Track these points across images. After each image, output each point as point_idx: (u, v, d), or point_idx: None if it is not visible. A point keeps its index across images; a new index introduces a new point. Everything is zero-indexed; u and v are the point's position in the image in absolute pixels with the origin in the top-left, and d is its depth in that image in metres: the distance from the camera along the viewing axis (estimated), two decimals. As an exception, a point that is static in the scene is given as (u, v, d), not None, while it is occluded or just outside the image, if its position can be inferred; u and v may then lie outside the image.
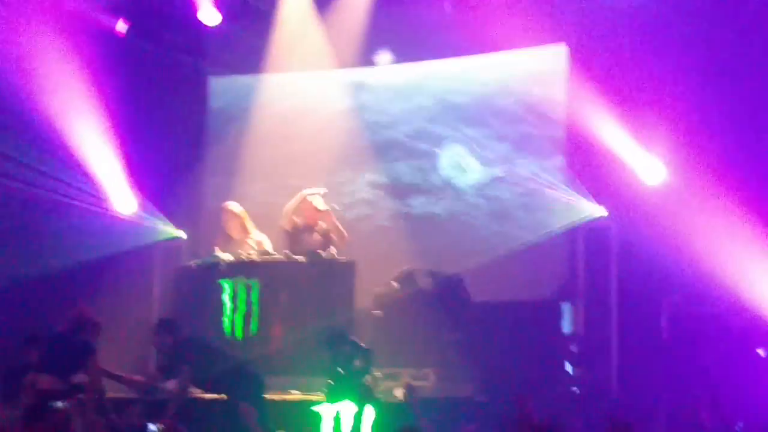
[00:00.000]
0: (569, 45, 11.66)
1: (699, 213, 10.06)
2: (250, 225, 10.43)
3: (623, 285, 10.72)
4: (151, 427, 7.57)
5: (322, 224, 10.41)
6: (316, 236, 10.33)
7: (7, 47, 11.27)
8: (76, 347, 7.99)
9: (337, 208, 10.65)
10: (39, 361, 8.12)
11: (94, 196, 12.36)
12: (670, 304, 10.38)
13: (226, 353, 8.71)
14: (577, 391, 9.81)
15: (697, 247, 9.92)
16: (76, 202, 12.23)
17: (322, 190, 10.58)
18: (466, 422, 8.34)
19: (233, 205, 10.49)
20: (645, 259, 10.33)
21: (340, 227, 10.39)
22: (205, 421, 8.21)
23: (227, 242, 10.38)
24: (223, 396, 8.50)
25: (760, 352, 9.39)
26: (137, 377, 8.86)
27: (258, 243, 10.34)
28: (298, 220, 10.43)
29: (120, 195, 12.49)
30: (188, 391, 8.46)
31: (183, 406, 8.20)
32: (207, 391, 8.67)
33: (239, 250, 10.24)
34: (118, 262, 12.17)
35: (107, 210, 12.41)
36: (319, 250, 10.15)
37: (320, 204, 10.40)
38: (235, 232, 10.35)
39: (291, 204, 10.52)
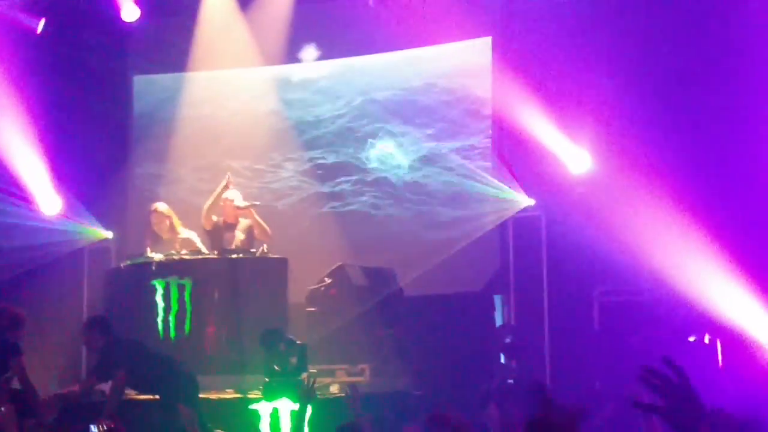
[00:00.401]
0: (494, 38, 11.77)
1: (625, 202, 10.20)
2: (177, 224, 10.36)
3: (554, 275, 10.85)
4: (93, 429, 7.48)
5: (244, 221, 10.37)
6: (239, 233, 10.29)
7: None
8: (2, 348, 7.86)
9: (257, 203, 10.60)
10: None
11: (18, 197, 12.15)
12: (600, 293, 10.54)
13: (158, 353, 8.60)
14: (513, 383, 9.90)
15: (625, 236, 10.06)
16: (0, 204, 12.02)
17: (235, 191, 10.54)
18: (402, 417, 8.38)
19: (161, 206, 10.40)
20: (574, 248, 10.44)
21: (262, 223, 10.33)
22: (142, 422, 8.12)
23: (157, 242, 10.28)
24: (157, 397, 8.41)
25: (691, 339, 9.57)
26: (68, 390, 8.70)
27: (187, 240, 10.27)
28: (218, 219, 10.39)
29: (45, 197, 12.28)
30: (124, 393, 8.36)
31: (119, 407, 8.10)
32: (141, 392, 8.58)
33: (171, 250, 10.14)
34: (46, 265, 11.98)
35: (33, 212, 12.20)
36: (251, 249, 10.10)
37: (239, 201, 10.36)
38: (164, 233, 10.27)
39: (207, 203, 10.48)
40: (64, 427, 7.71)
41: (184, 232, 10.34)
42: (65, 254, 12.20)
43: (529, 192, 11.18)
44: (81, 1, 12.64)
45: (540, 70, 10.96)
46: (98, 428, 7.22)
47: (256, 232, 10.28)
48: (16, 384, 8.00)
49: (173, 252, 10.07)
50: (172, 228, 10.28)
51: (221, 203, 10.45)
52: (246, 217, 10.36)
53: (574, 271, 10.58)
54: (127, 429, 7.33)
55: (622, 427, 7.95)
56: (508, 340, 10.25)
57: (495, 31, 11.77)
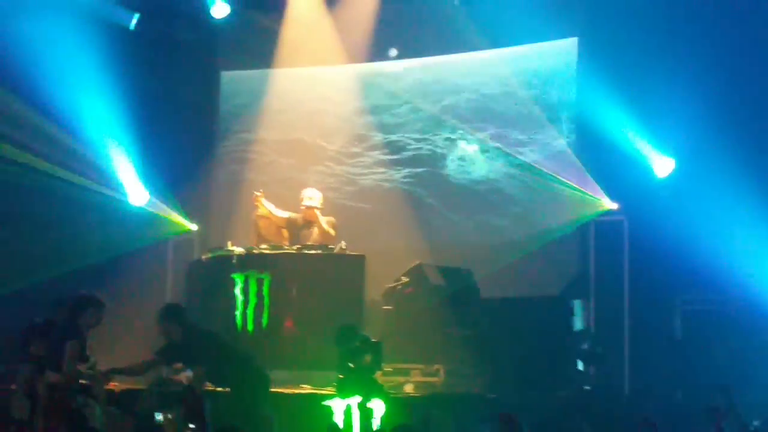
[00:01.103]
0: (580, 39, 11.63)
1: (711, 207, 10.01)
2: (267, 205, 10.49)
3: (635, 281, 10.68)
4: (158, 416, 7.56)
5: (322, 218, 10.47)
6: (315, 230, 10.37)
7: (24, 43, 11.32)
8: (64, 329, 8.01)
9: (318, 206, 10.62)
10: (44, 354, 8.11)
11: (108, 188, 12.43)
12: (683, 300, 10.34)
13: (233, 346, 8.64)
14: (589, 390, 9.76)
15: (711, 243, 9.86)
16: (90, 195, 12.30)
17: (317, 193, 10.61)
18: (476, 419, 8.31)
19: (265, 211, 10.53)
20: (657, 254, 10.29)
21: (326, 227, 10.37)
22: (214, 413, 8.18)
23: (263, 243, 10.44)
24: (227, 389, 8.47)
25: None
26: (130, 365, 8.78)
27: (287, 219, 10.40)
28: (296, 216, 10.48)
29: (133, 188, 12.54)
30: (203, 385, 8.43)
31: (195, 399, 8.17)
32: (213, 383, 8.63)
33: (252, 246, 10.25)
34: (131, 255, 12.23)
35: (121, 203, 12.47)
36: (330, 245, 10.16)
37: (308, 201, 10.45)
38: (271, 236, 10.41)
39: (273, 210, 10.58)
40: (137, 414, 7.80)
41: (277, 212, 10.51)
42: (150, 245, 12.44)
43: (612, 196, 11.03)
44: (173, -1, 12.89)
45: (625, 72, 10.79)
46: (164, 418, 7.31)
47: (319, 233, 10.33)
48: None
49: (253, 246, 10.17)
50: (279, 232, 10.40)
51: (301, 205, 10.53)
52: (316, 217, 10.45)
53: (657, 278, 10.41)
54: (197, 419, 7.38)
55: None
56: (585, 346, 10.11)
57: (581, 31, 11.63)
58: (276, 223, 10.56)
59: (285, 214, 10.61)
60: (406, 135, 12.66)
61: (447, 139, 12.43)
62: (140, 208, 12.61)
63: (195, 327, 8.45)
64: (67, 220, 12.14)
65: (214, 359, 8.24)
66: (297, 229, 10.48)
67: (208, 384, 8.51)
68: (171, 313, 8.40)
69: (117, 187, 12.52)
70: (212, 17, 12.69)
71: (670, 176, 10.83)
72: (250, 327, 9.80)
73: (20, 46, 11.34)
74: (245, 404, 8.13)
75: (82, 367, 8.05)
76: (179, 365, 9.16)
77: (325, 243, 10.23)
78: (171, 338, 8.30)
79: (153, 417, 7.19)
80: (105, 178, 12.42)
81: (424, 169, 12.51)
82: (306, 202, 10.47)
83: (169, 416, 7.07)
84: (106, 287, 11.92)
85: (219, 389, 8.55)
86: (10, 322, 8.95)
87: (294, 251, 10.12)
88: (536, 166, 11.77)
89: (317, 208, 10.45)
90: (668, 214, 10.19)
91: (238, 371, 8.30)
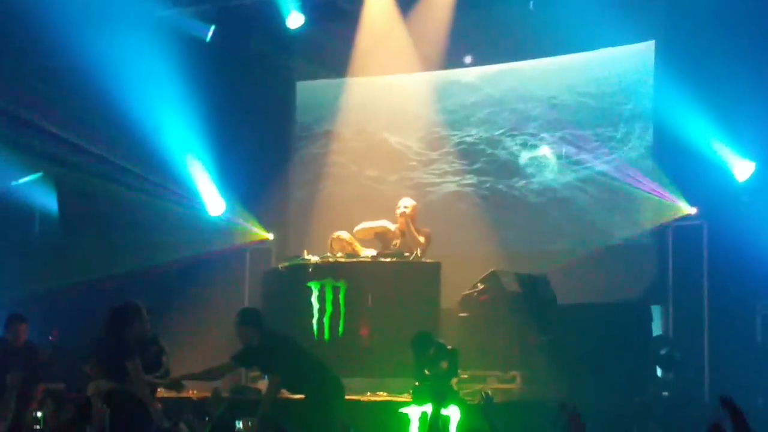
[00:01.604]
0: (657, 41, 11.52)
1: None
2: (359, 249, 10.46)
3: (714, 286, 10.52)
4: (239, 425, 7.64)
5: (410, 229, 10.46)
6: (404, 240, 10.38)
7: (104, 57, 11.59)
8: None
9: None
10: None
11: (187, 198, 12.65)
12: (764, 305, 10.16)
13: (309, 353, 8.67)
14: (668, 396, 9.63)
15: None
16: (169, 205, 12.53)
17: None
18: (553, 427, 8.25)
19: (343, 234, 10.50)
20: (737, 259, 10.12)
21: (416, 235, 10.34)
22: (290, 421, 8.24)
23: None
24: (302, 396, 8.52)
25: None
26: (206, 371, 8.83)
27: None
28: (394, 228, 10.47)
29: (211, 198, 12.74)
30: (279, 392, 8.50)
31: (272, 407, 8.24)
32: (288, 390, 8.67)
33: (327, 253, 10.31)
34: (210, 264, 12.41)
35: (200, 212, 12.68)
36: (405, 252, 10.18)
37: (406, 210, 10.43)
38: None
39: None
40: (219, 421, 7.87)
41: (365, 252, 10.46)
42: (228, 254, 12.61)
43: (690, 200, 10.89)
44: (248, 9, 13.02)
45: (704, 74, 10.64)
46: (243, 425, 7.38)
47: (409, 240, 10.31)
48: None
49: (329, 255, 10.23)
50: (355, 253, 10.41)
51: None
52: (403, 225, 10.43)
53: (737, 282, 10.24)
54: (277, 427, 7.45)
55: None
56: (664, 352, 9.98)
57: (658, 34, 11.51)
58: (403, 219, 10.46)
59: (377, 223, 10.51)
60: (481, 142, 12.65)
61: (522, 145, 12.39)
62: (218, 218, 12.80)
63: (272, 333, 8.50)
64: (148, 228, 12.39)
65: (291, 366, 8.29)
66: (388, 240, 10.46)
67: (284, 391, 8.58)
68: (249, 317, 8.47)
69: (195, 197, 12.73)
70: (287, 27, 12.82)
71: (749, 179, 10.65)
72: (326, 335, 9.84)
73: (99, 60, 11.62)
74: (320, 413, 8.17)
75: (149, 378, 8.09)
76: (256, 373, 9.28)
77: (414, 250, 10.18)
78: (248, 343, 8.38)
79: (231, 424, 7.26)
80: (184, 188, 12.64)
81: (499, 176, 12.48)
82: (400, 210, 10.43)
83: (249, 424, 7.14)
84: (186, 296, 12.24)
85: (295, 397, 8.62)
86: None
87: (369, 259, 10.16)
88: (612, 172, 11.67)
89: (409, 216, 10.40)
90: (748, 217, 10.03)
91: (313, 379, 8.34)
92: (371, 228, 10.50)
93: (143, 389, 7.75)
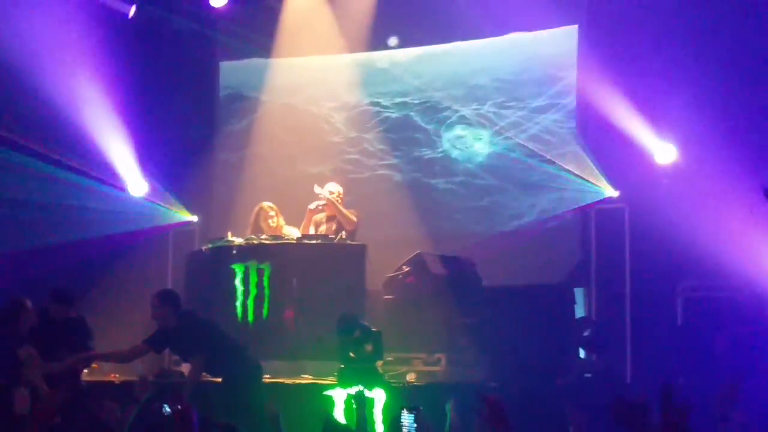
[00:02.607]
0: (580, 25, 11.61)
1: (712, 194, 9.99)
2: (281, 221, 10.39)
3: (636, 268, 10.67)
4: (167, 408, 7.53)
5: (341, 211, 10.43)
6: (332, 225, 10.33)
7: (21, 33, 11.30)
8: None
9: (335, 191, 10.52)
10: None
11: (107, 180, 12.42)
12: (685, 288, 10.32)
13: (228, 336, 8.59)
14: (590, 377, 9.74)
15: (711, 230, 9.83)
16: (89, 184, 12.30)
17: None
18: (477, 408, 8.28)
19: (269, 204, 10.42)
20: (658, 241, 10.26)
21: (345, 212, 10.29)
22: (206, 403, 8.15)
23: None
24: (219, 379, 8.44)
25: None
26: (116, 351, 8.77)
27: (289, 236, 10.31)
28: (321, 216, 10.41)
29: (132, 179, 12.53)
30: (201, 375, 8.41)
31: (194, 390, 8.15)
32: (207, 373, 8.58)
33: (251, 235, 10.21)
34: (132, 246, 12.22)
35: (121, 194, 12.46)
36: (330, 235, 10.13)
37: (326, 192, 10.36)
38: (268, 229, 10.32)
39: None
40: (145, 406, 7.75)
41: (287, 229, 10.40)
42: (151, 236, 12.43)
43: (613, 182, 11.01)
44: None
45: (626, 59, 10.77)
46: (171, 409, 7.26)
47: (341, 221, 10.26)
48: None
49: (253, 237, 10.13)
50: (278, 225, 10.34)
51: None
52: (330, 209, 10.36)
53: (658, 265, 10.40)
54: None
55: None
56: (586, 334, 10.09)
57: (581, 19, 11.60)
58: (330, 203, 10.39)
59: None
60: (405, 125, 12.64)
61: (445, 128, 12.41)
62: (140, 198, 12.60)
63: (189, 313, 8.42)
64: (68, 209, 12.14)
65: (207, 348, 8.20)
66: (320, 224, 10.41)
67: (204, 374, 8.50)
68: (166, 298, 8.37)
69: (117, 177, 12.51)
70: (210, 6, 12.64)
71: (671, 163, 10.80)
72: (250, 318, 9.76)
73: (17, 37, 11.33)
74: (237, 395, 8.10)
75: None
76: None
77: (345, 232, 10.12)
78: (165, 324, 8.27)
79: (157, 408, 7.13)
80: (105, 169, 12.40)
81: (423, 156, 12.49)
82: (326, 194, 10.35)
83: (177, 409, 7.01)
84: (107, 278, 12.04)
85: (215, 379, 8.54)
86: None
87: (294, 241, 10.09)
88: (537, 152, 11.76)
89: (337, 200, 10.35)
90: (669, 201, 10.18)
91: (230, 361, 8.27)
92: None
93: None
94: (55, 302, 8.64)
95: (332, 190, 10.44)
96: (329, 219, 10.40)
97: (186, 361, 8.62)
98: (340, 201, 10.36)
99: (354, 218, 10.23)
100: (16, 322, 8.10)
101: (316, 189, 10.30)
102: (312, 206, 10.37)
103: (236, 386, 8.19)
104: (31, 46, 11.32)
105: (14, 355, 7.94)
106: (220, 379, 8.42)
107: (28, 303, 8.23)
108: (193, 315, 8.44)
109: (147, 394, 7.68)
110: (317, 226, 10.41)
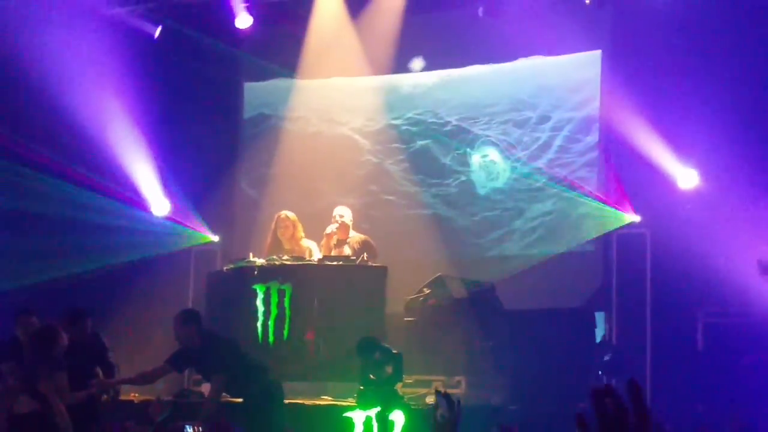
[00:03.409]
0: (604, 51, 11.63)
1: (734, 220, 9.96)
2: (301, 233, 10.44)
3: (657, 293, 10.64)
4: (188, 429, 7.55)
5: (355, 236, 10.50)
6: (347, 248, 10.39)
7: (51, 54, 11.43)
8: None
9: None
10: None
11: (130, 199, 12.50)
12: (705, 313, 10.29)
13: (250, 357, 8.59)
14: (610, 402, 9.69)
15: (733, 256, 9.81)
16: (113, 204, 12.38)
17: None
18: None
19: (288, 213, 10.47)
20: (680, 267, 10.23)
21: (371, 242, 10.37)
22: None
23: (277, 249, 10.37)
24: (241, 400, 8.45)
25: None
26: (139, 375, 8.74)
27: (307, 250, 10.35)
28: (333, 238, 10.47)
29: (155, 199, 12.61)
30: (222, 396, 8.42)
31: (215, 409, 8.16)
32: (229, 394, 8.58)
33: (273, 255, 10.25)
34: (153, 266, 12.28)
35: (143, 213, 12.53)
36: (352, 256, 10.17)
37: (348, 218, 10.48)
38: (286, 240, 10.36)
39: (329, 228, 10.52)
40: (162, 426, 7.77)
41: (306, 242, 10.43)
42: (172, 256, 12.49)
43: (635, 208, 11.00)
44: (196, 9, 12.90)
45: (649, 85, 10.79)
46: (193, 429, 7.29)
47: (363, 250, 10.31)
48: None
49: (275, 257, 10.17)
50: (294, 237, 10.37)
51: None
52: (357, 235, 10.45)
53: (679, 290, 10.36)
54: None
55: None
56: (607, 358, 10.07)
57: (604, 44, 11.62)
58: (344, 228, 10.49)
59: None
60: (426, 146, 12.67)
61: (468, 149, 12.43)
62: (162, 219, 12.67)
63: (212, 334, 8.44)
64: (92, 229, 12.22)
65: (230, 368, 8.22)
66: (330, 249, 10.48)
67: (225, 395, 8.51)
68: (189, 318, 8.38)
69: (140, 198, 12.59)
70: (236, 27, 12.74)
71: (693, 188, 10.79)
72: (271, 338, 9.79)
73: (46, 58, 11.46)
74: (259, 416, 8.11)
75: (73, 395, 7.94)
76: (199, 376, 9.20)
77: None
78: (188, 344, 8.29)
79: (176, 428, 7.17)
80: (128, 189, 12.49)
81: (444, 179, 12.51)
82: (337, 220, 10.45)
83: (199, 429, 7.05)
84: (128, 298, 12.10)
85: (235, 400, 8.55)
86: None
87: (315, 262, 10.12)
88: (559, 177, 11.76)
89: (346, 225, 10.45)
90: (690, 226, 10.15)
91: (252, 382, 8.28)
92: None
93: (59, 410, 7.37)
94: (71, 324, 8.59)
95: (341, 213, 10.51)
96: (340, 243, 10.45)
97: (208, 380, 8.64)
98: (350, 225, 10.46)
99: (375, 249, 10.31)
100: (54, 347, 7.97)
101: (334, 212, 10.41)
102: (328, 230, 10.43)
103: (257, 407, 8.19)
104: (61, 66, 11.45)
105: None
106: (240, 400, 8.44)
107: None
108: (216, 335, 8.47)
109: (163, 414, 7.73)
110: (328, 251, 10.45)
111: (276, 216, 10.51)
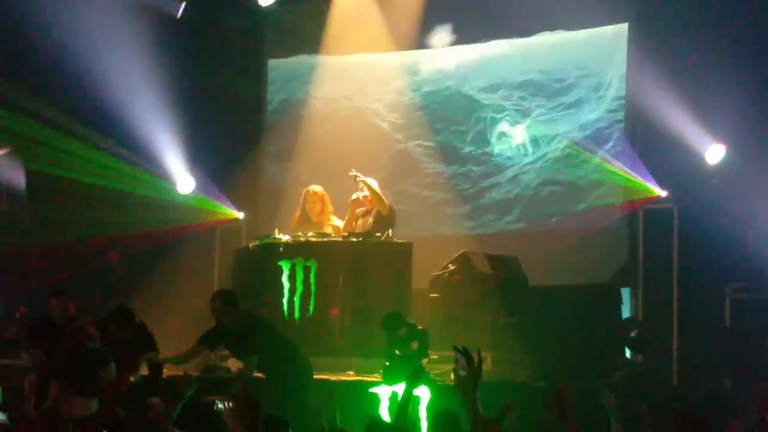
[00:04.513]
0: (630, 23, 11.54)
1: (761, 194, 9.90)
2: (330, 209, 10.40)
3: (684, 269, 10.58)
4: (219, 404, 7.58)
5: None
6: (370, 219, 10.31)
7: (72, 34, 11.47)
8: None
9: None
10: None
11: (156, 176, 12.56)
12: (733, 289, 10.23)
13: (281, 335, 8.64)
14: (637, 378, 9.67)
15: (760, 230, 9.74)
16: (141, 181, 12.46)
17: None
18: (523, 407, 8.26)
19: (317, 188, 10.41)
20: (707, 242, 10.18)
21: (380, 193, 10.19)
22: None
23: (305, 223, 10.33)
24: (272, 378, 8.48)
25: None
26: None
27: (336, 228, 10.31)
28: (360, 209, 10.40)
29: (181, 176, 12.65)
30: (253, 373, 8.46)
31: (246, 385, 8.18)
32: (260, 371, 8.63)
33: (299, 231, 10.23)
34: (179, 242, 12.34)
35: (169, 190, 12.60)
36: (377, 233, 10.12)
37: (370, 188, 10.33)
38: (315, 215, 10.33)
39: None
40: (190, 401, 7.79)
41: (335, 220, 10.39)
42: (198, 233, 12.54)
43: (661, 183, 10.93)
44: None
45: (676, 58, 10.69)
46: (224, 404, 7.30)
47: (376, 205, 10.17)
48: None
49: (300, 234, 10.16)
50: (324, 212, 10.33)
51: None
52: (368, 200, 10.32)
53: (707, 266, 10.32)
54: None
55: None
56: (633, 334, 10.03)
57: (632, 17, 11.53)
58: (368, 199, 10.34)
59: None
60: (452, 121, 12.63)
61: (494, 124, 12.38)
62: (187, 195, 12.72)
63: (252, 316, 8.51)
64: (117, 205, 12.30)
65: (265, 348, 8.27)
66: (357, 218, 10.40)
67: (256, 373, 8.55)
68: (230, 300, 8.45)
69: (165, 174, 12.64)
70: (259, 4, 12.72)
71: (720, 163, 10.70)
72: (296, 315, 9.80)
73: (69, 36, 11.50)
74: (291, 395, 8.15)
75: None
76: (225, 352, 9.23)
77: (379, 228, 10.06)
78: (225, 324, 8.35)
79: (204, 404, 7.17)
80: (154, 165, 12.54)
81: (471, 154, 12.46)
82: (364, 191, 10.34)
83: (231, 404, 7.05)
84: (155, 274, 12.17)
85: (266, 377, 8.58)
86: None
87: (340, 239, 10.10)
88: (587, 152, 11.70)
89: (374, 193, 10.29)
90: (718, 201, 10.09)
91: (284, 362, 8.33)
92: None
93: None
94: (119, 324, 8.64)
95: (361, 186, 10.42)
96: (366, 213, 10.36)
97: (241, 359, 8.68)
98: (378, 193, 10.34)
99: (387, 202, 10.19)
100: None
101: (351, 173, 10.26)
102: (354, 197, 10.35)
103: (287, 385, 8.24)
104: (84, 45, 11.48)
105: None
106: (271, 377, 8.48)
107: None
108: (255, 317, 8.54)
109: (191, 390, 7.75)
110: (354, 220, 10.37)
111: (304, 191, 10.48)
